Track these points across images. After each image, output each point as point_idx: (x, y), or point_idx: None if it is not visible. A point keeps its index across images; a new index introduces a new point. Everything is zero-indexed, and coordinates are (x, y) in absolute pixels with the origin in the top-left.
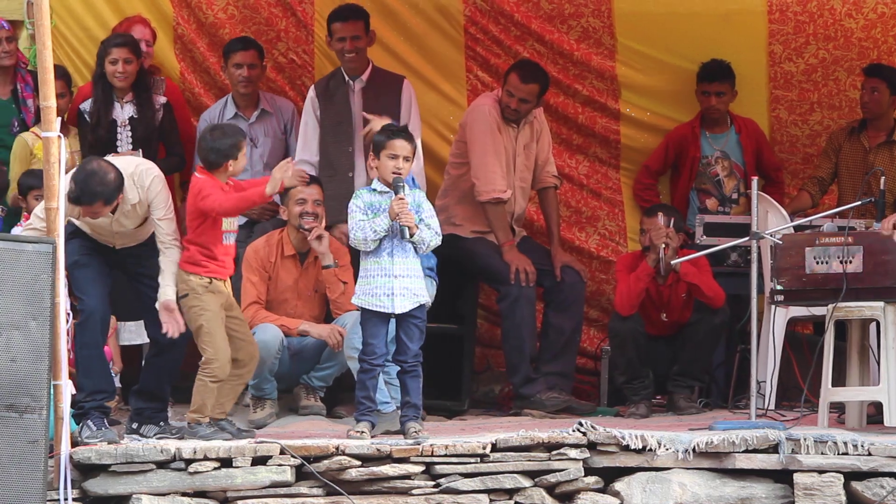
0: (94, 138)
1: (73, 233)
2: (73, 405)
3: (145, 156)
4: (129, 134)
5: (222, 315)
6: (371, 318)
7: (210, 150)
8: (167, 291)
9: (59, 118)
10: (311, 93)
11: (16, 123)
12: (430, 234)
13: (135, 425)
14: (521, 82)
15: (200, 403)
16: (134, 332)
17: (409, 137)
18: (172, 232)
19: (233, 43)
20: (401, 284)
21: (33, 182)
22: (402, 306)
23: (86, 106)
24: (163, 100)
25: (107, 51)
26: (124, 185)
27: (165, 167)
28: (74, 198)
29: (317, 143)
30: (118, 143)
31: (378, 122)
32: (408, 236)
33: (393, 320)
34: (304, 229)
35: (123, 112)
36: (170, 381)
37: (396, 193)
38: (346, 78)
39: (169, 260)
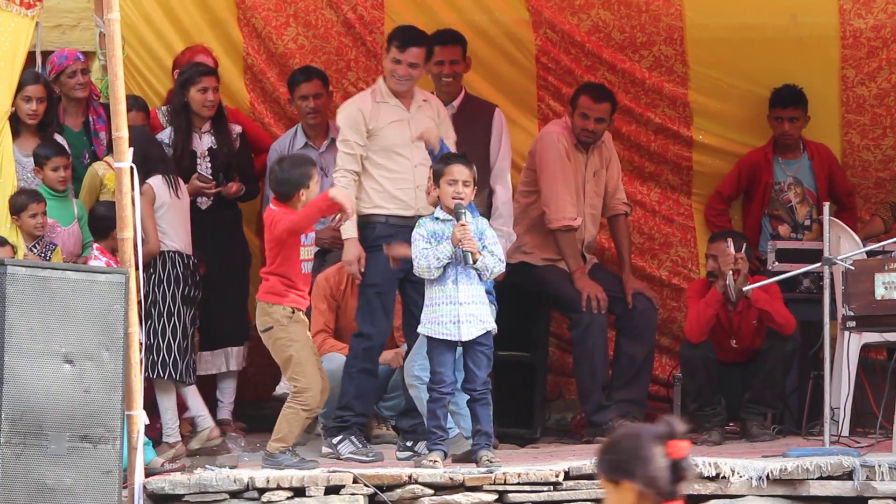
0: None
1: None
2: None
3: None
4: (209, 164)
5: (312, 343)
6: (438, 347)
7: (280, 181)
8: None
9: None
10: None
11: (87, 155)
12: (494, 260)
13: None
14: (594, 102)
15: (287, 432)
16: (210, 363)
17: (467, 162)
18: None
19: (295, 74)
20: (467, 311)
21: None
22: (468, 333)
23: (163, 136)
24: (238, 129)
25: (194, 80)
26: None
27: (241, 196)
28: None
29: None
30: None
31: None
32: (471, 262)
33: (460, 348)
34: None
35: (202, 142)
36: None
37: (458, 220)
38: None
39: None
